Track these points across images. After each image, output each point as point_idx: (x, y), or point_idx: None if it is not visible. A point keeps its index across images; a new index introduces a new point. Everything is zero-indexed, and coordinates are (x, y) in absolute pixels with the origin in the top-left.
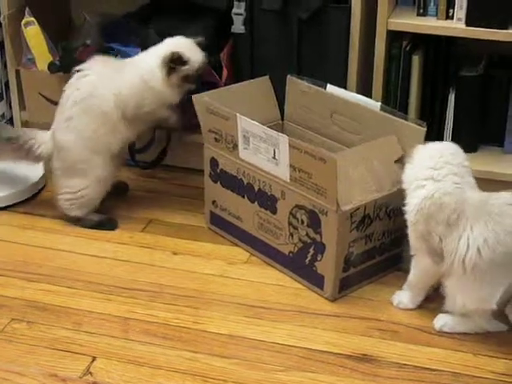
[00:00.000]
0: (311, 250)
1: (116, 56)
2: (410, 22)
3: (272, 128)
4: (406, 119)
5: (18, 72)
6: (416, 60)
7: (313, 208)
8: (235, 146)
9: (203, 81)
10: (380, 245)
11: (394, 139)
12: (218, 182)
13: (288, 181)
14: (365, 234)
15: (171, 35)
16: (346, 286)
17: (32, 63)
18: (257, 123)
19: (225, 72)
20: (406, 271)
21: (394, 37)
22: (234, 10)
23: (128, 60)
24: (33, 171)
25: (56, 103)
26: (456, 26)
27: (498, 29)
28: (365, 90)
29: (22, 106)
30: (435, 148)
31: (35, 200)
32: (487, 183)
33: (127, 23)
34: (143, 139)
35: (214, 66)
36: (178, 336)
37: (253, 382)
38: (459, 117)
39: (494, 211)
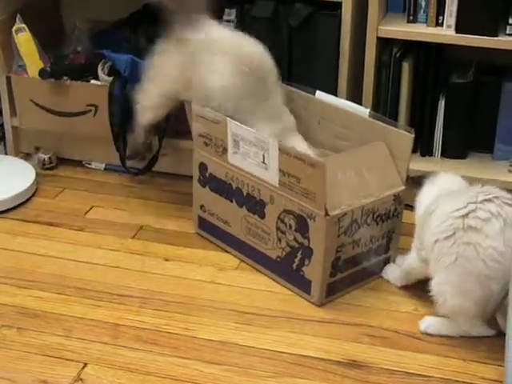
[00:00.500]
0: (299, 255)
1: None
2: (400, 29)
3: None
4: (394, 125)
5: (8, 79)
6: (406, 67)
7: (301, 213)
8: (224, 150)
9: None
10: (367, 250)
11: (383, 145)
12: (207, 187)
13: (277, 185)
14: (352, 239)
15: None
16: (333, 292)
17: (23, 70)
18: (247, 127)
19: None
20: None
21: (385, 44)
22: (225, 17)
23: None
24: (23, 178)
25: (47, 110)
26: (446, 32)
27: (487, 36)
28: (355, 96)
29: (13, 113)
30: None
31: (26, 206)
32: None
33: (118, 30)
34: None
35: None
36: (168, 342)
37: None
38: (449, 123)
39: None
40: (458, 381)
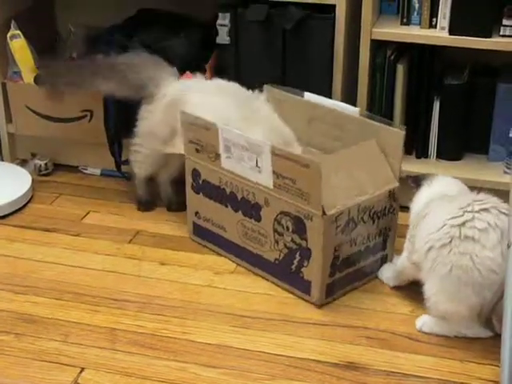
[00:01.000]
0: (297, 256)
1: None
2: (394, 31)
3: None
4: (385, 123)
5: (4, 85)
6: (400, 69)
7: (297, 214)
8: (217, 156)
9: None
10: (365, 248)
11: (374, 143)
12: (201, 193)
13: (272, 188)
14: (350, 237)
15: (156, 47)
16: (332, 291)
17: (18, 76)
18: (238, 132)
19: None
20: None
21: (379, 46)
22: (219, 22)
23: None
24: (20, 184)
25: (43, 116)
26: (439, 34)
27: (481, 37)
28: (350, 99)
29: (9, 119)
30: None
31: (22, 212)
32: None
33: (113, 36)
34: None
35: None
36: (165, 346)
37: None
38: (444, 125)
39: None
40: (455, 381)
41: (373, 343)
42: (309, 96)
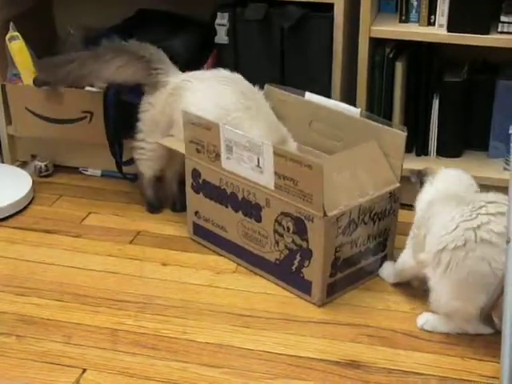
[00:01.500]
0: (298, 257)
1: None
2: (392, 29)
3: None
4: (386, 124)
5: (3, 87)
6: (399, 66)
7: (298, 215)
8: (217, 156)
9: None
10: (365, 249)
11: (375, 144)
12: (201, 193)
13: (273, 188)
14: (351, 238)
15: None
16: (333, 291)
17: (17, 78)
18: (240, 132)
19: None
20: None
21: (377, 44)
22: (217, 21)
23: None
24: (20, 186)
25: (43, 117)
26: (438, 32)
27: (479, 34)
28: (349, 97)
29: (8, 121)
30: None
31: (23, 214)
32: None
33: (112, 36)
34: None
35: None
36: (167, 346)
37: None
38: (444, 122)
39: None
40: (456, 378)
41: (374, 341)
42: (310, 96)
